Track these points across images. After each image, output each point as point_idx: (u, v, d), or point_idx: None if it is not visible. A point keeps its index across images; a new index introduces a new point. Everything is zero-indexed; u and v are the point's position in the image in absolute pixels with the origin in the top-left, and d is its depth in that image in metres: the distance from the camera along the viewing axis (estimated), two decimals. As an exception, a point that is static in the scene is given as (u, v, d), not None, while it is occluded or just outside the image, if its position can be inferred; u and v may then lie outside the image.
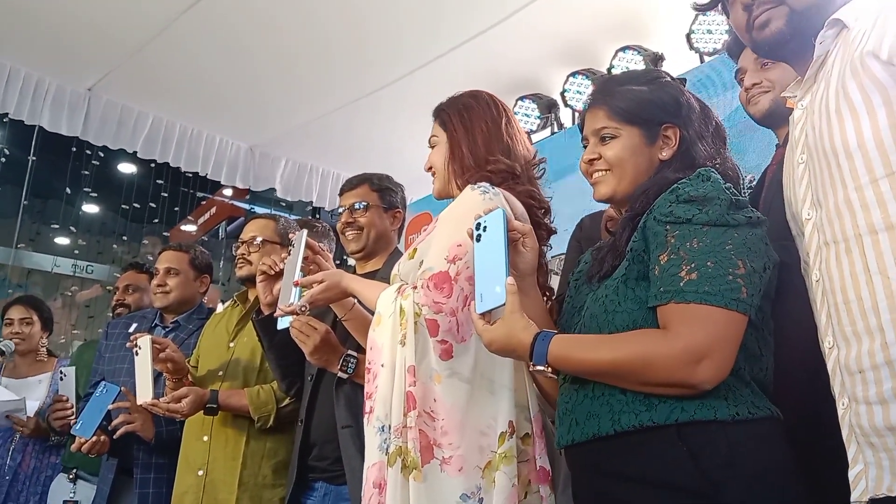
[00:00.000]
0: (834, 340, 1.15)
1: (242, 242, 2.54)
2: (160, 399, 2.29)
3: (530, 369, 1.33)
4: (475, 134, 1.70)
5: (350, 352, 1.95)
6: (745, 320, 1.19)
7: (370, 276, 2.17)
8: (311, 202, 5.77)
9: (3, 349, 3.32)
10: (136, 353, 2.34)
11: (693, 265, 1.19)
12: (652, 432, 1.19)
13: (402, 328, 1.50)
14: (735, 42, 1.90)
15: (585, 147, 1.47)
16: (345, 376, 1.94)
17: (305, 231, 1.94)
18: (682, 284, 1.19)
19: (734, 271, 1.18)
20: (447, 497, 1.40)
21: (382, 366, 1.51)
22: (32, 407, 3.22)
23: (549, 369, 1.28)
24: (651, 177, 1.38)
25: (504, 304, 1.28)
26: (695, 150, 1.39)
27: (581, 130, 1.49)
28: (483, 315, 1.31)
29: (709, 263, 1.19)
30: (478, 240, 1.35)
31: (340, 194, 2.35)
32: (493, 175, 1.64)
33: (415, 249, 1.63)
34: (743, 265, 1.19)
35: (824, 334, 1.18)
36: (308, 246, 1.90)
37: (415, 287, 1.54)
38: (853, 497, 1.11)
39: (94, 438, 2.48)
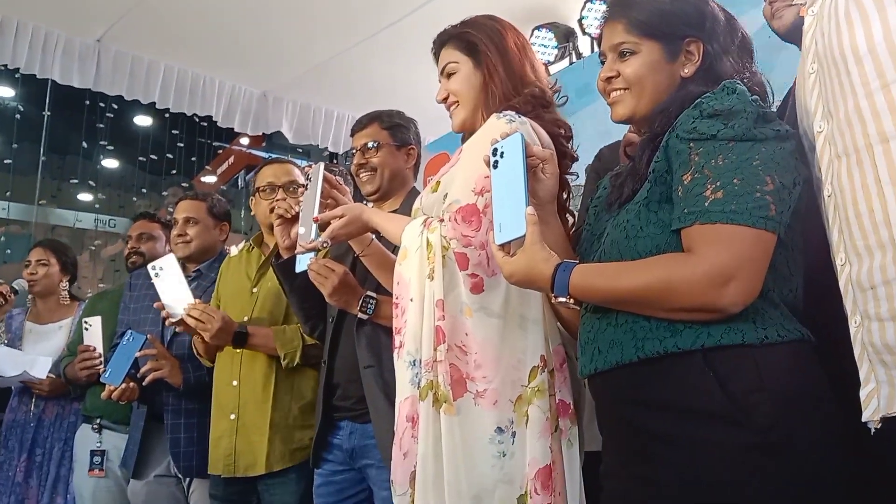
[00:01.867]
0: (846, 257, 1.12)
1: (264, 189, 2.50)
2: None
3: (552, 301, 1.30)
4: (510, 59, 1.63)
5: (369, 293, 1.93)
6: (773, 239, 1.14)
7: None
8: (327, 147, 5.72)
9: (17, 288, 3.32)
10: (157, 276, 2.32)
11: (718, 183, 1.14)
12: (677, 358, 1.16)
13: (429, 262, 1.47)
14: None
15: (603, 63, 1.40)
16: (365, 317, 1.93)
17: (322, 165, 1.89)
18: (707, 204, 1.14)
19: (762, 188, 1.13)
20: (482, 430, 1.40)
21: (411, 300, 1.49)
22: (46, 364, 3.21)
23: (572, 300, 1.25)
24: (672, 94, 1.32)
25: (524, 236, 1.25)
26: (719, 66, 1.31)
27: (599, 45, 1.43)
28: (502, 246, 1.28)
29: (735, 181, 1.13)
30: (495, 166, 1.31)
31: (352, 135, 2.29)
32: (523, 104, 1.58)
33: (438, 182, 1.59)
34: (771, 181, 1.14)
35: (836, 251, 1.15)
36: (325, 180, 1.86)
37: (441, 220, 1.51)
38: (865, 416, 1.09)
39: (124, 385, 2.50)
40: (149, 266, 2.38)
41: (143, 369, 2.46)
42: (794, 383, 1.14)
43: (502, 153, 1.30)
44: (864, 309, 1.09)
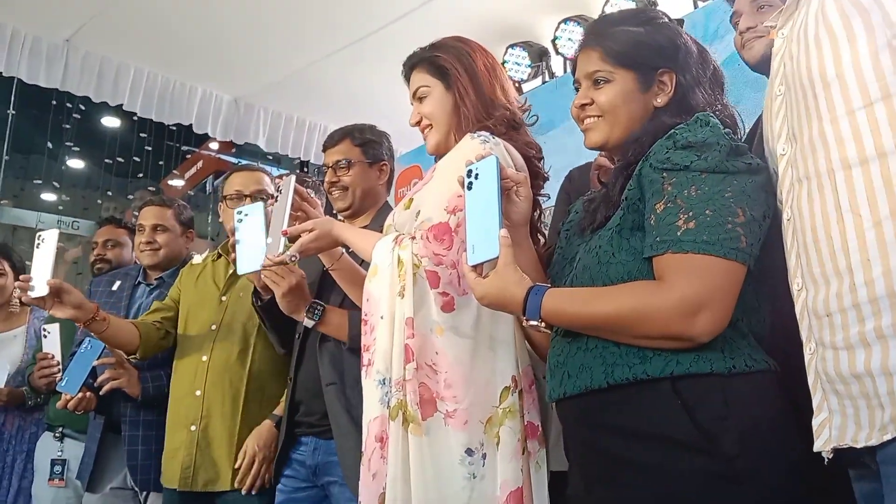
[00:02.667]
0: (802, 282, 1.12)
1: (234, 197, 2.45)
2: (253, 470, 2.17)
3: (523, 324, 1.30)
4: (480, 81, 1.63)
5: (317, 300, 1.92)
6: (744, 270, 1.15)
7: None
8: (299, 156, 5.68)
9: None
10: (38, 247, 2.15)
11: (691, 214, 1.15)
12: (646, 385, 1.17)
13: (400, 280, 1.46)
14: None
15: (577, 90, 1.41)
16: (311, 323, 1.91)
17: (293, 177, 1.87)
18: (679, 234, 1.15)
19: (733, 220, 1.14)
20: (451, 450, 1.38)
21: (382, 318, 1.48)
22: (2, 373, 3.16)
23: (543, 324, 1.25)
24: (645, 124, 1.33)
25: (497, 257, 1.24)
26: (692, 97, 1.34)
27: (573, 73, 1.44)
28: (475, 267, 1.28)
29: (707, 212, 1.15)
30: (469, 188, 1.31)
31: (324, 150, 2.27)
32: (496, 125, 1.58)
33: (410, 199, 1.59)
34: (742, 213, 1.15)
35: (793, 276, 1.14)
36: (296, 192, 1.84)
37: (412, 237, 1.50)
38: (816, 446, 1.08)
39: (80, 395, 2.43)
40: (37, 234, 2.23)
41: (100, 378, 2.40)
42: (761, 413, 1.16)
43: (477, 175, 1.30)
44: (819, 336, 1.09)
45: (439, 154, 1.68)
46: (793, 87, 1.14)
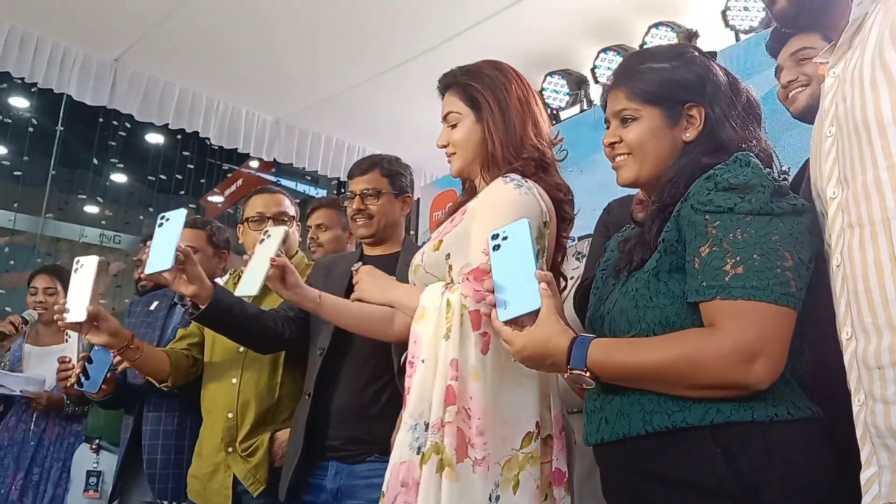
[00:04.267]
0: (852, 331, 1.08)
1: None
2: None
3: (565, 375, 1.24)
4: (511, 117, 1.61)
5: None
6: (794, 315, 1.12)
7: (385, 259, 2.13)
8: (338, 177, 5.75)
9: (27, 318, 3.36)
10: (75, 271, 2.13)
11: (738, 258, 1.12)
12: (686, 433, 1.13)
13: (447, 321, 1.44)
14: (774, 39, 1.85)
15: (608, 129, 1.40)
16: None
17: (284, 228, 1.84)
18: (727, 279, 1.11)
19: (782, 264, 1.11)
20: (476, 499, 1.35)
21: (423, 361, 1.46)
22: (41, 380, 3.29)
23: (588, 373, 1.19)
24: (676, 160, 1.31)
25: (539, 309, 1.22)
26: (721, 131, 1.30)
27: (604, 111, 1.42)
28: (508, 322, 1.25)
29: (755, 256, 1.11)
30: (495, 249, 1.30)
31: (350, 178, 2.28)
32: (524, 167, 1.56)
33: (440, 241, 1.58)
34: (791, 257, 1.12)
35: (842, 324, 1.11)
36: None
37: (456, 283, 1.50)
38: (864, 502, 1.04)
39: (104, 387, 2.46)
40: (76, 259, 2.23)
41: (115, 360, 2.38)
42: (804, 463, 1.12)
43: (505, 237, 1.30)
44: (869, 388, 1.05)
45: (462, 177, 1.69)
46: (845, 128, 1.11)
